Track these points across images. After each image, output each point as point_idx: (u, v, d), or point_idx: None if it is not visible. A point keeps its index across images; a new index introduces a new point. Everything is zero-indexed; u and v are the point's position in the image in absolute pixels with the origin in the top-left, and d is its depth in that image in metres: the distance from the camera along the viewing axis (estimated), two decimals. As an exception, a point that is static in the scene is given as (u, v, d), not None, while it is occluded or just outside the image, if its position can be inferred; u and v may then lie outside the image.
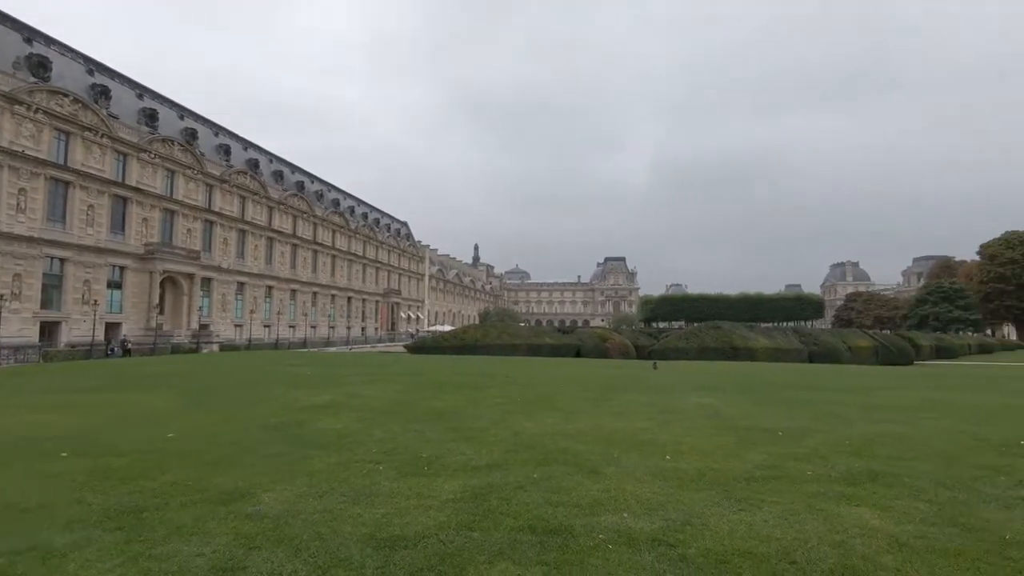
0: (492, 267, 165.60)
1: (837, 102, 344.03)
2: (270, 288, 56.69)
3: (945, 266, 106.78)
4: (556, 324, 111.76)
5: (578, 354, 35.57)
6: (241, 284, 52.70)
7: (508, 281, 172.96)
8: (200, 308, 46.06)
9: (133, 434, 7.68)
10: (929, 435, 7.67)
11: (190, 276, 44.94)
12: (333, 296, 68.25)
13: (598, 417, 9.13)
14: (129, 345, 35.67)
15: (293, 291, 60.39)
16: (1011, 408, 10.58)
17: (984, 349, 64.34)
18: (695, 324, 52.08)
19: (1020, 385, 16.13)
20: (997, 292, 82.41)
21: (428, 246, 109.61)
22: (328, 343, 59.81)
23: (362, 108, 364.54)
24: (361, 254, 75.85)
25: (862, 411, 10.00)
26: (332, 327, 66.92)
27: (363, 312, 75.71)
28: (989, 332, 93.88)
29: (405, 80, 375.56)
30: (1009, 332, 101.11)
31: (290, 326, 59.05)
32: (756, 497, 4.92)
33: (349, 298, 72.02)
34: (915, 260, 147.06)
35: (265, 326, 55.42)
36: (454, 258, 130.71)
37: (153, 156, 42.34)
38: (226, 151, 53.21)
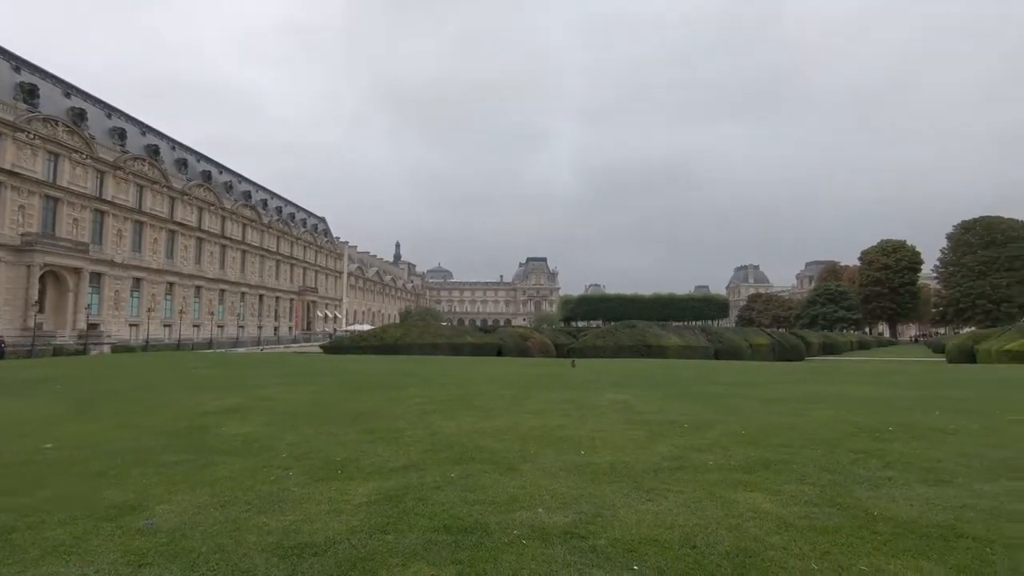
0: (414, 265, 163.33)
1: (746, 116, 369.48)
2: (171, 284, 52.72)
3: (832, 270, 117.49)
4: (479, 323, 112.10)
5: (499, 353, 35.83)
6: (138, 280, 48.65)
7: (430, 280, 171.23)
8: (88, 306, 42.02)
9: (2, 445, 6.89)
10: (816, 424, 8.40)
11: (76, 271, 40.90)
12: (243, 294, 64.56)
13: (517, 415, 9.25)
14: (4, 346, 31.87)
15: (198, 288, 56.50)
16: (885, 398, 11.79)
17: (863, 345, 71.39)
18: (612, 323, 54.03)
19: (893, 378, 18.01)
20: (874, 294, 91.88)
21: (347, 243, 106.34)
22: (237, 343, 56.48)
23: (278, 99, 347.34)
24: (275, 250, 72.26)
25: (759, 403, 10.78)
26: (242, 327, 63.29)
27: (276, 311, 72.16)
28: (867, 330, 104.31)
29: (326, 72, 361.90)
30: (884, 330, 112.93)
31: (194, 325, 55.22)
32: (663, 487, 5.18)
33: (261, 296, 68.41)
34: (807, 264, 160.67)
35: (165, 326, 51.48)
36: (374, 255, 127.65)
37: (32, 137, 38.12)
38: (121, 135, 48.87)
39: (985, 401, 11.07)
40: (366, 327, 64.38)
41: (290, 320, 75.50)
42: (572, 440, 7.29)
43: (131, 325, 47.59)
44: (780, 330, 67.15)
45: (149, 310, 48.44)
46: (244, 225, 65.45)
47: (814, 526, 4.22)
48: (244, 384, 13.81)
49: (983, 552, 3.72)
